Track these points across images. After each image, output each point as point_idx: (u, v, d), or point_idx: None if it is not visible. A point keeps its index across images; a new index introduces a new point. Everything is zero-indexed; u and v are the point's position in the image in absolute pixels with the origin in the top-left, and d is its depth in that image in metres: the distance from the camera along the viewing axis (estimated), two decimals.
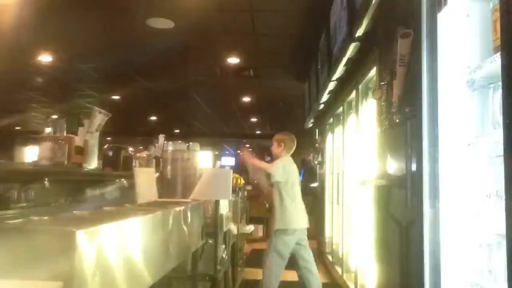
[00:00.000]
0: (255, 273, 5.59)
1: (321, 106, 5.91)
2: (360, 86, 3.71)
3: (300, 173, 10.73)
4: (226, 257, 3.75)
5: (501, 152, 1.26)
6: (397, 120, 2.22)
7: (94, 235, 1.15)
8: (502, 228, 1.22)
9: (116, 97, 9.14)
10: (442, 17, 1.77)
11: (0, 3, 4.27)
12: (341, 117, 4.78)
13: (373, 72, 3.23)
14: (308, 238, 3.64)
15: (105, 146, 2.98)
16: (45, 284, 0.99)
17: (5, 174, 1.73)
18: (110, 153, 2.90)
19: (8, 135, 13.00)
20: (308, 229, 3.78)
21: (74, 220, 1.56)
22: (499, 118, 1.45)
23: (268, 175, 3.66)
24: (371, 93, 2.96)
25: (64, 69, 6.93)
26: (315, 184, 7.41)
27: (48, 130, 2.24)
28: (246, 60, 6.48)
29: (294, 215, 3.66)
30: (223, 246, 3.63)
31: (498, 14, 1.37)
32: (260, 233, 8.51)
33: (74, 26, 5.06)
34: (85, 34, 5.36)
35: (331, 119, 5.65)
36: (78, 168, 2.25)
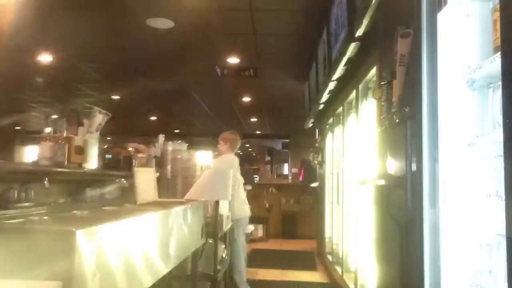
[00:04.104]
0: (255, 273, 5.58)
1: (321, 106, 5.91)
2: (360, 86, 3.71)
3: (300, 173, 10.79)
4: (226, 257, 3.75)
5: (501, 152, 1.26)
6: (397, 120, 2.22)
7: (94, 235, 1.15)
8: (502, 228, 1.22)
9: (116, 97, 9.14)
10: (442, 17, 1.77)
11: (0, 3, 4.27)
12: (341, 117, 4.78)
13: (373, 72, 3.23)
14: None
15: (105, 146, 2.98)
16: (45, 284, 0.99)
17: (5, 174, 1.73)
18: (110, 153, 2.90)
19: (8, 135, 12.99)
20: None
21: (74, 220, 1.56)
22: (499, 118, 1.45)
23: None
24: (371, 93, 2.96)
25: (64, 69, 6.92)
26: (315, 184, 7.41)
27: (48, 130, 2.24)
28: (246, 60, 6.48)
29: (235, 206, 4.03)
30: (223, 246, 3.63)
31: (498, 14, 1.37)
32: (260, 233, 8.52)
33: (74, 26, 5.06)
34: (85, 34, 5.36)
35: (331, 119, 5.65)
36: (78, 168, 2.24)
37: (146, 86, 8.02)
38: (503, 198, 1.23)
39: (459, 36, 1.71)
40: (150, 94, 8.69)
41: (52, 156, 2.13)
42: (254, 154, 22.12)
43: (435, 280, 1.73)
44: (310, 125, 7.58)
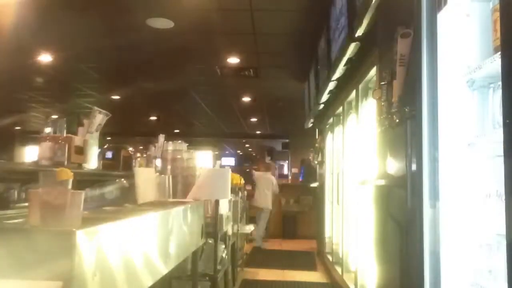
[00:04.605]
0: (255, 273, 5.59)
1: (321, 106, 5.91)
2: (360, 86, 3.71)
3: (300, 173, 11.20)
4: (226, 257, 3.75)
5: (501, 152, 1.26)
6: (397, 120, 2.21)
7: (94, 235, 1.15)
8: (502, 228, 1.22)
9: (116, 97, 9.14)
10: (442, 17, 1.77)
11: (0, 3, 4.27)
12: (341, 117, 4.78)
13: (373, 72, 3.23)
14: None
15: (105, 146, 2.98)
16: (45, 284, 0.99)
17: (5, 174, 1.73)
18: (110, 153, 2.90)
19: (8, 135, 12.99)
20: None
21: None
22: (499, 118, 1.45)
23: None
24: (371, 93, 2.96)
25: (64, 69, 6.93)
26: (315, 184, 7.41)
27: (48, 130, 2.23)
28: (246, 60, 6.48)
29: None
30: (223, 246, 3.63)
31: (498, 14, 1.37)
32: None
33: (74, 26, 5.06)
34: (85, 34, 5.36)
35: (331, 119, 5.65)
36: (78, 168, 2.24)
37: (146, 86, 8.02)
38: (503, 198, 1.23)
39: (459, 36, 1.71)
40: (150, 94, 8.69)
41: (52, 156, 2.13)
42: (254, 154, 22.12)
43: (435, 280, 1.73)
44: (310, 125, 7.58)
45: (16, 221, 1.40)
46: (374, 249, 2.89)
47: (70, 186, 1.17)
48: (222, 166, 3.57)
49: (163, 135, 3.28)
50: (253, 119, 12.24)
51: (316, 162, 7.03)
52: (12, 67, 6.35)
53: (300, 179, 10.40)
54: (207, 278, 3.03)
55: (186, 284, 2.79)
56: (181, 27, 5.06)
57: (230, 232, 3.96)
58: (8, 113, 10.62)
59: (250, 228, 5.84)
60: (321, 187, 6.52)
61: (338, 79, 4.41)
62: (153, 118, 12.03)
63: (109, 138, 8.93)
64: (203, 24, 4.98)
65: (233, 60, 6.42)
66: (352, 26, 3.23)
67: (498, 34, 1.37)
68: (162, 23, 4.97)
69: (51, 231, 1.08)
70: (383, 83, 2.42)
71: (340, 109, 4.79)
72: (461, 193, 1.69)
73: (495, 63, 1.41)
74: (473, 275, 1.63)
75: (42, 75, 7.35)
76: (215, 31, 5.25)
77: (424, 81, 1.81)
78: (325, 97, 5.32)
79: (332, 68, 4.29)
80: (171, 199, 2.59)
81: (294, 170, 13.35)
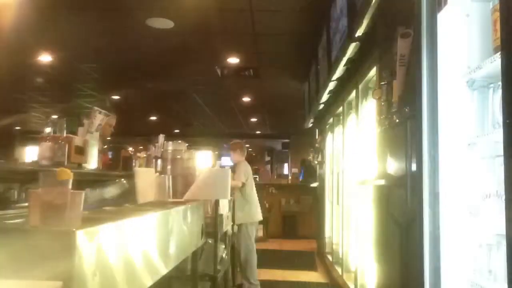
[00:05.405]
0: None
1: (321, 106, 5.91)
2: (360, 86, 3.71)
3: (300, 173, 10.77)
4: (226, 257, 3.75)
5: (501, 152, 1.26)
6: (397, 120, 2.22)
7: (94, 235, 1.15)
8: (502, 228, 1.22)
9: (116, 97, 9.14)
10: (442, 17, 1.77)
11: (0, 3, 4.27)
12: (341, 117, 4.79)
13: (373, 72, 3.23)
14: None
15: (105, 146, 2.98)
16: (45, 284, 0.99)
17: (5, 174, 1.73)
18: (110, 153, 2.91)
19: (8, 135, 12.99)
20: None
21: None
22: (499, 118, 1.45)
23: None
24: (371, 93, 2.96)
25: (64, 69, 6.92)
26: (315, 184, 7.41)
27: (48, 130, 2.24)
28: (246, 60, 6.47)
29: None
30: (223, 246, 3.63)
31: (498, 14, 1.37)
32: (260, 233, 8.52)
33: (74, 26, 5.06)
34: (85, 34, 5.36)
35: (331, 119, 5.65)
36: (78, 168, 2.25)
37: (146, 86, 8.02)
38: (503, 198, 1.23)
39: (459, 36, 1.71)
40: (150, 94, 8.69)
41: (52, 156, 2.13)
42: (254, 154, 22.13)
43: (435, 280, 1.73)
44: (310, 125, 7.58)
45: (16, 221, 1.40)
46: (374, 249, 2.89)
47: (70, 186, 1.17)
48: (222, 166, 3.57)
49: (163, 135, 3.28)
50: (253, 119, 12.23)
51: (316, 162, 7.03)
52: (12, 67, 6.35)
53: (300, 179, 10.41)
54: (207, 278, 3.02)
55: (186, 284, 2.79)
56: (181, 27, 5.06)
57: (230, 232, 3.96)
58: (8, 113, 10.62)
59: None
60: (321, 187, 6.52)
61: (338, 79, 4.41)
62: (153, 118, 12.03)
63: (109, 138, 8.94)
64: (203, 24, 4.98)
65: (233, 60, 6.42)
66: (352, 26, 3.23)
67: (498, 34, 1.37)
68: (162, 23, 4.97)
69: (51, 231, 1.08)
70: (383, 83, 2.42)
71: (340, 109, 4.79)
72: (461, 193, 1.69)
73: (495, 63, 1.41)
74: (473, 275, 1.63)
75: (42, 75, 7.34)
76: (215, 31, 5.25)
77: (424, 81, 1.81)
78: (325, 97, 5.32)
79: (332, 68, 4.29)
80: (171, 199, 2.59)
81: (294, 170, 13.35)
